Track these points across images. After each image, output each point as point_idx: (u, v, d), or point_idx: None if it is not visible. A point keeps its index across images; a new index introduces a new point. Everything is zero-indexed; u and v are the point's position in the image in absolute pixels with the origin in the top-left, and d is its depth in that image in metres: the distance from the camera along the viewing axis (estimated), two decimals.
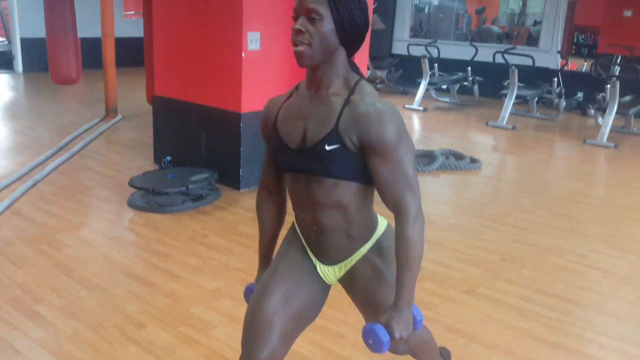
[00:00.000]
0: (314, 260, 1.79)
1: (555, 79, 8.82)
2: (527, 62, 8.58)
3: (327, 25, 1.50)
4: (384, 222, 1.79)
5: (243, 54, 4.54)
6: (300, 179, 1.65)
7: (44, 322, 2.83)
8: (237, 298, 3.14)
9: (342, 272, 1.78)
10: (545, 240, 4.20)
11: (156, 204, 4.31)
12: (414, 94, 9.40)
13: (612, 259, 3.94)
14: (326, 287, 1.82)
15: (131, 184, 4.37)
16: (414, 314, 1.64)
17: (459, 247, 3.98)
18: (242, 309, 2.99)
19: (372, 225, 1.75)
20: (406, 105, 9.23)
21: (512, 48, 9.16)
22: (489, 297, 3.32)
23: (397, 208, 1.58)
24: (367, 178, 1.61)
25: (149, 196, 4.37)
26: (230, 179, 4.85)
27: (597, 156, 7.03)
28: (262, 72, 4.73)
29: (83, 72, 6.88)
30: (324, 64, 1.56)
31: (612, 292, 3.48)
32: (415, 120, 8.63)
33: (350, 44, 1.57)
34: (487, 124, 8.27)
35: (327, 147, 1.55)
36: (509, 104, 8.24)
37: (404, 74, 10.64)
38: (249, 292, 1.94)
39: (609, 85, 7.66)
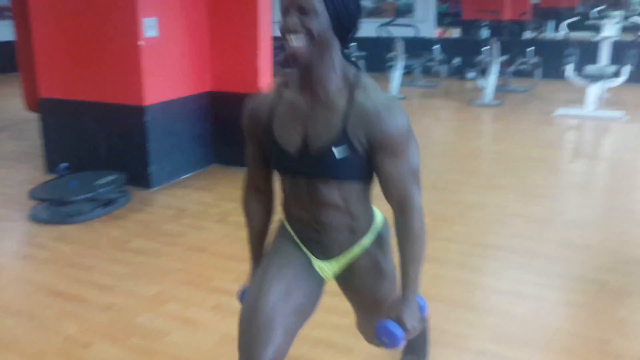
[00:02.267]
0: (309, 255, 1.69)
1: (435, 47, 9.17)
2: (407, 33, 8.84)
3: (323, 19, 1.37)
4: (379, 214, 1.72)
5: (141, 42, 4.24)
6: (301, 180, 1.55)
7: None
8: (182, 299, 2.95)
9: (340, 264, 1.69)
10: (466, 197, 4.35)
11: (64, 214, 3.93)
12: None
13: (529, 206, 4.15)
14: (322, 281, 1.74)
15: (33, 196, 3.94)
16: (418, 302, 1.63)
17: (388, 214, 3.99)
18: (191, 310, 2.84)
19: (372, 218, 1.67)
20: None
21: (394, 20, 9.41)
22: (432, 257, 3.33)
23: (402, 203, 1.52)
24: (370, 174, 1.55)
25: (54, 207, 3.98)
26: (139, 178, 4.54)
27: (486, 115, 7.42)
28: (162, 60, 4.46)
29: None
30: (318, 60, 1.43)
31: (539, 235, 3.67)
32: None
33: (345, 34, 1.45)
34: None
35: (335, 152, 1.45)
36: (397, 74, 8.45)
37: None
38: (241, 293, 1.80)
39: (485, 48, 8.08)
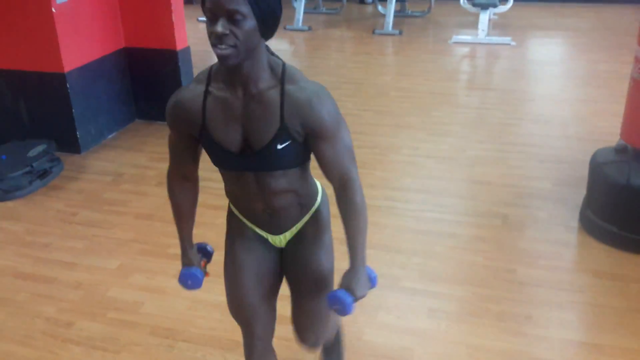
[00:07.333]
0: (264, 235, 1.90)
1: None
2: None
3: (250, 22, 1.42)
4: (319, 185, 1.90)
5: (53, 9, 4.17)
6: (248, 175, 1.68)
7: None
8: (146, 270, 3.22)
9: (293, 233, 1.88)
10: (381, 140, 4.78)
11: (2, 191, 3.98)
12: None
13: (436, 145, 4.67)
14: (279, 251, 1.96)
15: None
16: (368, 272, 1.77)
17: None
18: (157, 279, 3.12)
19: (316, 189, 1.87)
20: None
21: None
22: None
23: (343, 181, 1.67)
24: (308, 156, 1.70)
25: None
26: (67, 144, 4.60)
27: (387, 45, 7.80)
28: (77, 25, 4.42)
29: None
30: (247, 62, 1.50)
31: (449, 175, 4.20)
32: None
33: (270, 33, 1.52)
34: (285, 28, 8.51)
35: (279, 147, 1.58)
36: (300, 4, 8.55)
37: None
38: (184, 278, 1.94)
39: None
